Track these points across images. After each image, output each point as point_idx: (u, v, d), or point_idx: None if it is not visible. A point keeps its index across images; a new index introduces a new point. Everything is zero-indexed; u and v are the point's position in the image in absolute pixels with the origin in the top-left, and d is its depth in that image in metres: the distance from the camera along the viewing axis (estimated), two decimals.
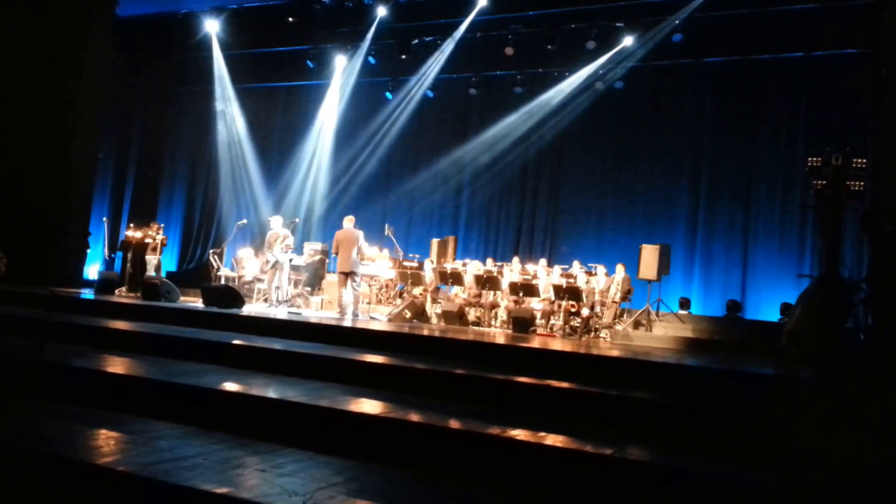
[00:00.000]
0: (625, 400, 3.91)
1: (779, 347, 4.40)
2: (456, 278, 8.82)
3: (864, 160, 4.65)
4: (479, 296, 8.78)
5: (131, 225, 10.06)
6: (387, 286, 9.62)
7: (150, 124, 13.39)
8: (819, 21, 8.93)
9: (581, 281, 8.49)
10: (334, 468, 3.00)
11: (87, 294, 8.56)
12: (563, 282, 8.28)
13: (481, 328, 8.34)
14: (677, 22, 9.63)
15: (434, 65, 11.39)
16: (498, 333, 7.60)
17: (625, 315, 8.52)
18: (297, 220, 10.20)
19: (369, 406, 3.71)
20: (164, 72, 13.15)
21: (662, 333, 7.67)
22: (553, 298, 8.22)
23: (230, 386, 3.99)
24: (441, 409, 3.74)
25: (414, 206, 11.81)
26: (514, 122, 11.08)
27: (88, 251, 11.29)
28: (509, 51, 10.58)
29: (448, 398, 4.05)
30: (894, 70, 5.01)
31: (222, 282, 8.95)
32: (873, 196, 5.45)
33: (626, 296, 8.44)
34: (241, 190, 12.93)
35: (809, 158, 4.76)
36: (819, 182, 4.65)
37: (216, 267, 9.34)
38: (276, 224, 8.14)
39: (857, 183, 4.56)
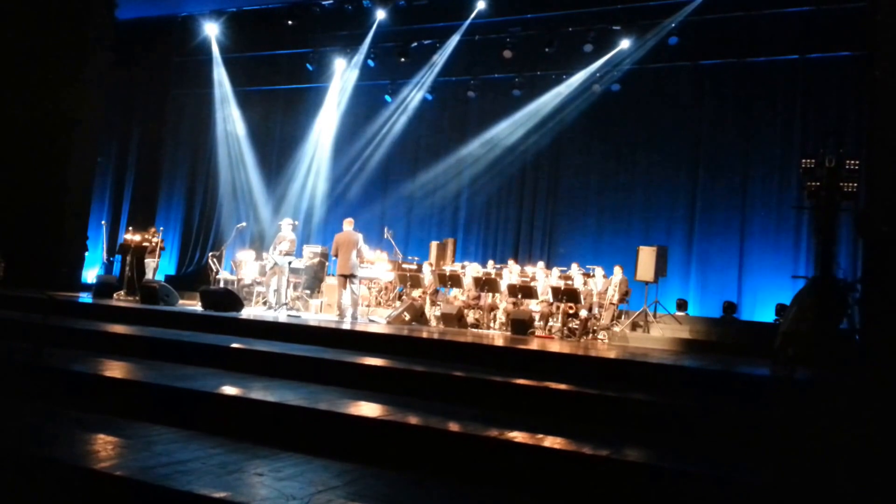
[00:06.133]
0: (622, 401, 3.92)
1: (774, 348, 4.42)
2: (455, 281, 8.83)
3: (858, 161, 4.68)
4: (478, 298, 8.80)
5: (130, 228, 10.07)
6: (386, 289, 9.63)
7: (150, 127, 13.40)
8: (813, 24, 8.98)
9: (579, 283, 8.51)
10: (333, 472, 3.01)
11: (86, 298, 8.56)
12: (561, 284, 8.30)
13: (480, 330, 8.35)
14: (673, 25, 9.67)
15: (433, 68, 11.43)
16: (497, 335, 7.61)
17: (622, 317, 8.54)
18: (295, 222, 10.23)
19: (368, 409, 3.72)
20: (163, 75, 13.17)
21: (660, 335, 7.69)
22: (551, 300, 8.24)
23: (229, 389, 4.00)
24: (440, 411, 3.75)
25: (413, 209, 11.83)
26: (512, 125, 11.11)
27: (87, 255, 11.29)
28: (507, 54, 10.61)
29: (447, 400, 4.06)
30: (887, 72, 5.05)
31: (221, 285, 8.95)
32: (867, 197, 5.49)
33: (624, 297, 8.46)
34: (240, 193, 12.94)
35: (803, 160, 4.80)
36: (813, 183, 4.68)
37: (215, 270, 9.34)
38: (285, 227, 8.25)
39: (851, 184, 4.59)
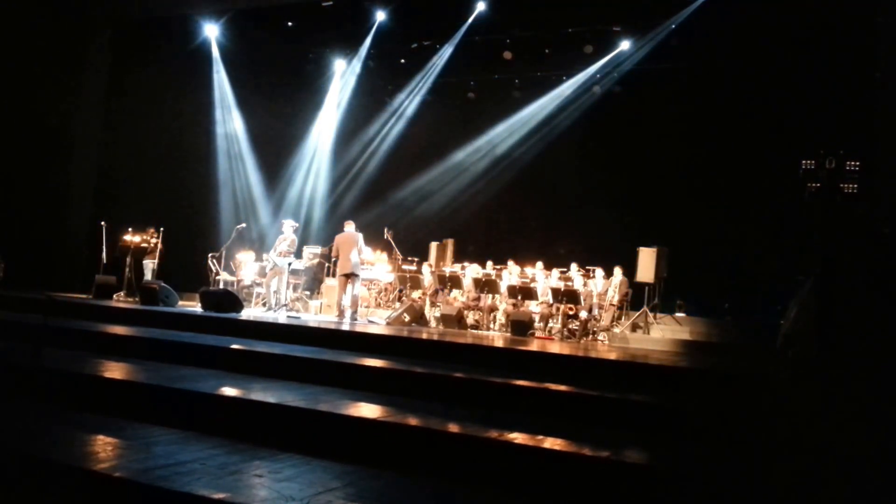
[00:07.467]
0: (622, 402, 3.92)
1: (775, 349, 4.42)
2: (455, 282, 8.83)
3: (858, 163, 4.69)
4: (478, 299, 8.80)
5: (129, 229, 10.06)
6: (386, 290, 9.63)
7: (149, 128, 13.39)
8: (813, 24, 8.99)
9: (579, 284, 8.51)
10: (333, 473, 3.00)
11: (85, 299, 8.55)
12: (561, 285, 8.30)
13: (480, 331, 8.35)
14: (674, 26, 9.69)
15: (432, 69, 11.44)
16: (496, 336, 7.61)
17: (623, 318, 8.54)
18: (297, 224, 10.23)
19: (368, 410, 3.71)
20: (162, 75, 13.17)
21: (660, 336, 7.69)
22: (551, 301, 8.24)
23: (228, 391, 4.00)
24: (440, 412, 3.74)
25: (413, 210, 11.85)
26: (512, 125, 11.13)
27: (86, 255, 11.28)
28: (508, 55, 10.63)
29: (447, 401, 4.05)
30: (887, 73, 5.06)
31: (221, 286, 8.95)
32: (868, 198, 5.49)
33: (624, 298, 8.46)
34: (239, 193, 12.95)
35: (803, 161, 4.80)
36: (813, 185, 4.69)
37: (215, 271, 9.34)
38: (287, 227, 8.28)
39: (851, 185, 4.60)
